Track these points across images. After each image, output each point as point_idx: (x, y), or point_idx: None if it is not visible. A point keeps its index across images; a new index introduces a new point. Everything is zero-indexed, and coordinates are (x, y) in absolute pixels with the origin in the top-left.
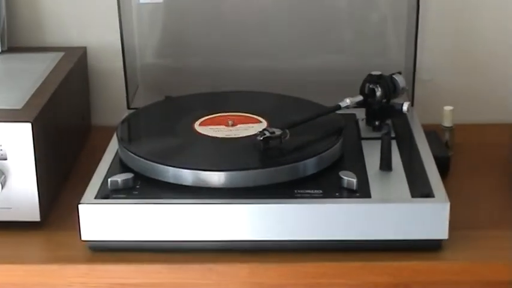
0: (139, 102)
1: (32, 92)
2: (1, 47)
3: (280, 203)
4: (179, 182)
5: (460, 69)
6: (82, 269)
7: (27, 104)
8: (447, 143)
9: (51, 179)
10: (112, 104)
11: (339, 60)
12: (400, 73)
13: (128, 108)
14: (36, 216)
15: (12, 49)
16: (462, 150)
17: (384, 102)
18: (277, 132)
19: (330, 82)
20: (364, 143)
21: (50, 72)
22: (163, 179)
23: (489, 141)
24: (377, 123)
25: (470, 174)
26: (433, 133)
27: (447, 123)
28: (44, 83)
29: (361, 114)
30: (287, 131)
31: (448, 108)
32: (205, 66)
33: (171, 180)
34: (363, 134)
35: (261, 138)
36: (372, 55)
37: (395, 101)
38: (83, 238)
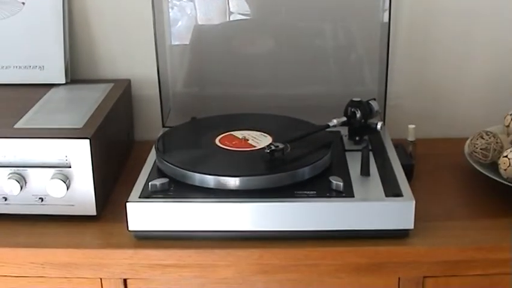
0: (172, 122)
1: (90, 115)
2: (65, 79)
3: (284, 201)
4: (204, 185)
5: (420, 96)
6: (129, 253)
7: (87, 124)
8: (411, 153)
9: (105, 182)
10: (150, 123)
11: (326, 88)
12: (374, 99)
13: (163, 126)
14: (93, 211)
15: (73, 81)
16: (423, 160)
17: (362, 122)
18: (281, 146)
19: (319, 106)
20: (347, 154)
21: (103, 99)
22: (191, 183)
23: (443, 152)
24: (357, 138)
25: (430, 178)
26: (400, 146)
27: (411, 138)
28: (98, 107)
29: (344, 131)
30: (288, 145)
31: (411, 126)
32: (222, 93)
33: (197, 184)
34: (347, 147)
35: (268, 151)
36: (352, 85)
37: (371, 121)
38: (129, 228)
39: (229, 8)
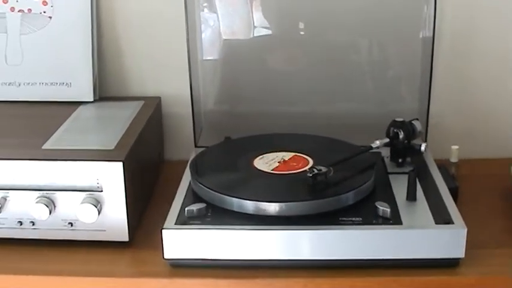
0: (204, 141)
1: (121, 135)
2: (93, 97)
3: (329, 229)
4: (242, 211)
5: (461, 114)
6: (164, 282)
7: (118, 145)
8: (454, 175)
9: (137, 205)
10: (181, 143)
11: (363, 106)
12: (417, 119)
13: (195, 146)
14: (125, 237)
15: (102, 98)
16: (466, 181)
17: (405, 143)
18: (324, 169)
19: (355, 124)
20: (391, 177)
21: (134, 118)
22: (229, 208)
23: (488, 173)
24: (400, 160)
25: (475, 201)
26: (443, 167)
27: (454, 159)
28: (129, 127)
29: (385, 152)
30: (331, 168)
31: (454, 147)
32: (254, 111)
33: (236, 209)
34: (389, 169)
35: (311, 175)
36: (390, 102)
37: (415, 142)
38: (165, 257)
39: (253, 21)
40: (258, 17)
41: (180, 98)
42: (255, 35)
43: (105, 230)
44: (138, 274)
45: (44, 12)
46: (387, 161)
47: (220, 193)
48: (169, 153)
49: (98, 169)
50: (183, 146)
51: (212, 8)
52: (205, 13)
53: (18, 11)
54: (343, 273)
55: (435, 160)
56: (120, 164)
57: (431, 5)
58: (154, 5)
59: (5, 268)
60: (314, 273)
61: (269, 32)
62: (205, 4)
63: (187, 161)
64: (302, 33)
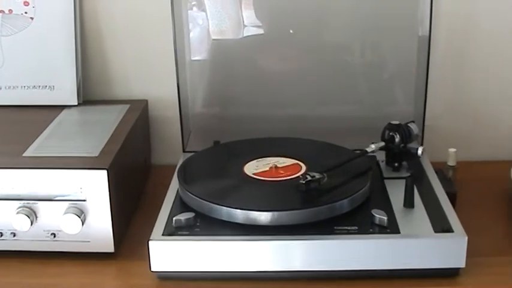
0: (192, 145)
1: (106, 141)
2: (77, 100)
3: (323, 239)
4: (233, 220)
5: (458, 116)
6: None
7: (103, 152)
8: (451, 179)
9: (122, 214)
10: (170, 147)
11: (357, 109)
12: (413, 122)
13: (183, 151)
14: (110, 248)
15: (86, 102)
16: (464, 186)
17: (401, 147)
18: (317, 176)
19: (349, 127)
20: (386, 182)
21: (119, 122)
22: (219, 217)
23: (487, 177)
24: (396, 164)
25: (474, 207)
26: (440, 171)
27: (451, 162)
28: (115, 132)
29: (380, 156)
30: (325, 174)
31: (452, 150)
32: (244, 114)
33: (225, 219)
34: (385, 174)
35: (304, 182)
36: (385, 105)
37: (411, 145)
38: (152, 269)
39: (243, 19)
40: (247, 15)
41: (168, 101)
42: (244, 34)
43: (89, 241)
44: (124, 287)
45: (26, 13)
46: (383, 165)
47: (209, 202)
48: (157, 158)
49: (81, 178)
50: (171, 150)
51: (201, 7)
52: (194, 12)
53: None
54: (338, 285)
55: (432, 163)
56: (105, 172)
57: (426, 5)
58: (139, 5)
59: None
60: (308, 285)
61: (260, 31)
62: (194, 3)
63: (176, 166)
64: (294, 33)
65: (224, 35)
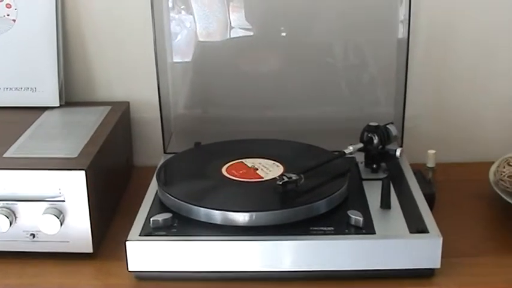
0: (173, 147)
1: (86, 142)
2: (59, 102)
3: (299, 239)
4: (210, 221)
5: (438, 117)
6: None
7: (82, 153)
8: (430, 181)
9: (102, 215)
10: (150, 149)
11: (338, 110)
12: (392, 123)
13: (164, 152)
14: (89, 248)
15: (68, 104)
16: (443, 187)
17: (380, 149)
18: (294, 177)
19: (330, 129)
20: (364, 183)
21: (100, 123)
22: (197, 218)
23: (466, 178)
24: (374, 166)
25: (452, 208)
26: (419, 172)
27: (431, 164)
28: (95, 133)
29: (359, 157)
30: (302, 175)
31: (431, 151)
32: (226, 115)
33: (203, 219)
34: (363, 176)
35: (280, 183)
36: (365, 106)
37: (390, 147)
38: (130, 269)
39: (230, 22)
40: (235, 18)
41: (149, 103)
42: (231, 36)
43: (68, 241)
44: (102, 287)
45: (8, 15)
46: (361, 166)
47: (187, 203)
48: (139, 159)
49: (60, 178)
50: (153, 151)
51: (189, 10)
52: (182, 15)
53: None
54: (313, 285)
55: (411, 165)
56: (83, 172)
57: (406, 8)
58: (121, 7)
59: None
60: (284, 285)
61: (247, 33)
62: (182, 7)
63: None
64: (276, 35)
65: (211, 38)
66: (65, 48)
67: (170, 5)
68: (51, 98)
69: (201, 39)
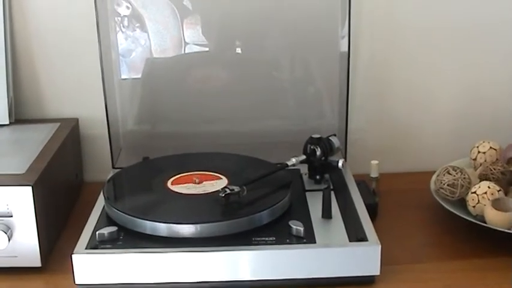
0: (122, 162)
1: (34, 158)
2: (9, 120)
3: (241, 249)
4: (156, 234)
5: (382, 129)
6: None
7: (29, 169)
8: (374, 191)
9: (50, 230)
10: (100, 164)
11: (284, 124)
12: (335, 135)
13: (113, 167)
14: (37, 263)
15: (17, 121)
16: (387, 196)
17: (322, 160)
18: (236, 189)
19: (277, 142)
20: (308, 194)
21: (49, 140)
22: (142, 231)
23: (408, 188)
24: (318, 177)
25: (395, 216)
26: (363, 182)
27: (374, 174)
28: (43, 149)
29: (304, 169)
30: (244, 187)
31: (374, 162)
32: (175, 131)
33: (149, 232)
34: (307, 187)
35: (223, 195)
36: (310, 119)
37: (332, 158)
38: (76, 282)
39: (184, 39)
40: (188, 34)
41: (98, 119)
42: (185, 52)
43: (16, 256)
44: None
45: None
46: (305, 178)
47: (132, 216)
48: (89, 175)
49: (8, 194)
50: (102, 167)
51: (143, 28)
52: (137, 33)
53: None
54: None
55: (356, 176)
56: (30, 188)
57: (346, 25)
58: (69, 25)
59: None
60: None
61: (199, 49)
62: (137, 25)
63: None
64: (222, 50)
65: (165, 54)
66: (13, 65)
67: (126, 23)
68: (1, 116)
69: (155, 55)
